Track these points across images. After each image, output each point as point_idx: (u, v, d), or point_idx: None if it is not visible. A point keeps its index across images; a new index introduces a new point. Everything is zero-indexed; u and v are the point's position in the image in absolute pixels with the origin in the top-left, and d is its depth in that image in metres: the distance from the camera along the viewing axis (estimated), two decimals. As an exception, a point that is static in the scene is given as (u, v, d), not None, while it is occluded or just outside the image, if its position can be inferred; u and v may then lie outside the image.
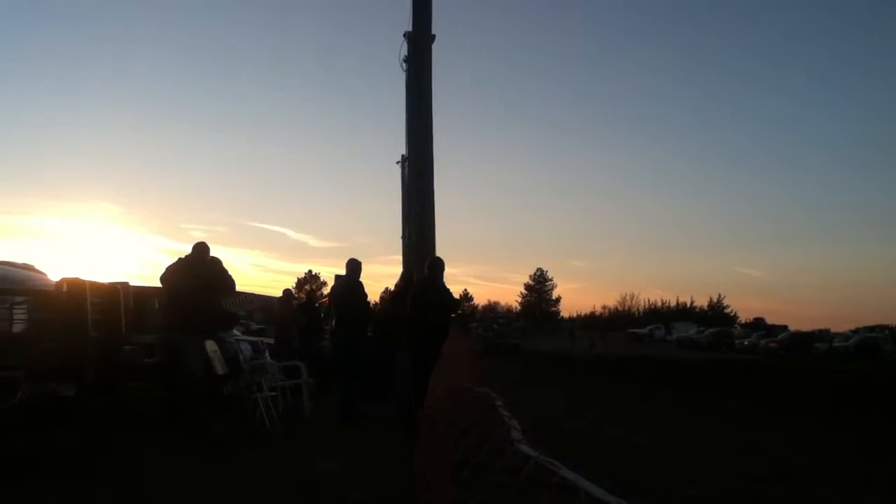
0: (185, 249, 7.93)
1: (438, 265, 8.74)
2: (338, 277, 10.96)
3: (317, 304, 16.80)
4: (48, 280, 7.55)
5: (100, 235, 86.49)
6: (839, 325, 63.41)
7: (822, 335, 46.53)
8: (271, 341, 12.50)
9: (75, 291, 6.86)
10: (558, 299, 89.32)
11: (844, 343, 41.12)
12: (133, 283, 9.32)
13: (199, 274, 7.74)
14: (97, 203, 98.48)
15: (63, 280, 6.93)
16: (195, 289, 7.57)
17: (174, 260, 8.06)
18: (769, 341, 45.04)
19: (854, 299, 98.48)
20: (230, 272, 8.05)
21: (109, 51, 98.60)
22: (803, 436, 8.65)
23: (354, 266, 9.14)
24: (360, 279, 9.25)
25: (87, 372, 6.66)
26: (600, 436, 8.14)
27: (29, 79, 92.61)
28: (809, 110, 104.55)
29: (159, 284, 8.26)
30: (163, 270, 8.03)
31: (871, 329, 45.56)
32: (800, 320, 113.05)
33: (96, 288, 7.52)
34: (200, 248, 7.91)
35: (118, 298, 7.98)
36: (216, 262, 7.99)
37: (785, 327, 53.13)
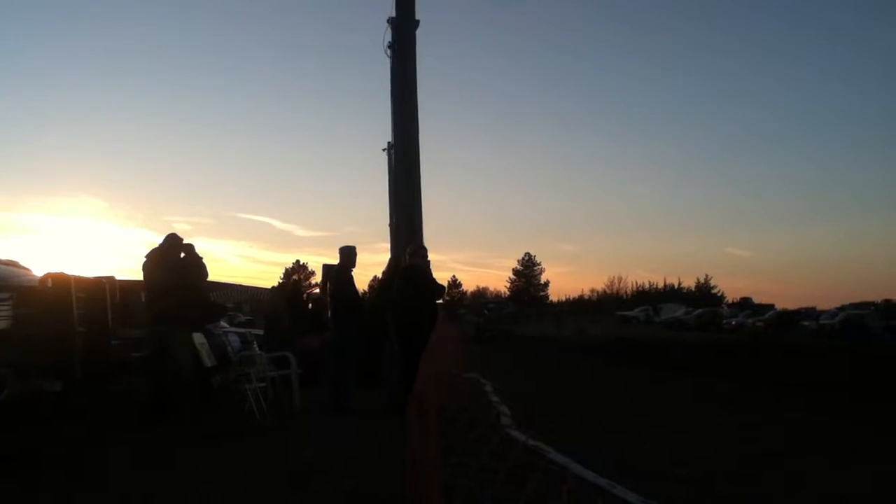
0: (171, 242, 7.92)
1: (421, 251, 8.75)
2: (325, 266, 10.92)
3: (305, 295, 16.73)
4: (33, 276, 7.51)
5: (84, 230, 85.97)
6: (825, 303, 63.90)
7: (809, 313, 46.85)
8: (261, 332, 12.44)
9: (60, 286, 6.83)
10: (547, 284, 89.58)
11: (830, 321, 41.43)
12: (119, 277, 9.27)
13: (172, 266, 7.71)
14: (81, 198, 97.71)
15: (48, 275, 6.88)
16: (169, 281, 7.55)
17: (149, 250, 8.06)
18: (756, 320, 45.35)
19: (840, 277, 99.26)
20: (202, 261, 8.02)
21: (92, 45, 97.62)
22: (793, 414, 8.73)
23: (347, 252, 9.05)
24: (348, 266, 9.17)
25: (74, 367, 6.64)
26: (590, 418, 8.18)
27: (11, 74, 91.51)
28: (794, 90, 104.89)
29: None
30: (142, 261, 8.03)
31: (857, 306, 45.96)
32: (786, 299, 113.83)
33: (81, 283, 7.48)
34: (170, 240, 7.89)
35: (104, 293, 7.94)
36: (189, 250, 7.95)
37: (771, 306, 53.42)
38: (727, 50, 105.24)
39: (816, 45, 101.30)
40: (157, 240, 8.07)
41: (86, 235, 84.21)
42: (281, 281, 72.14)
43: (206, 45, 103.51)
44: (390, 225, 14.08)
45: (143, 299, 8.84)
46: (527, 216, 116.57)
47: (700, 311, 54.82)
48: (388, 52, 13.00)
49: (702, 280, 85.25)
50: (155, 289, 7.71)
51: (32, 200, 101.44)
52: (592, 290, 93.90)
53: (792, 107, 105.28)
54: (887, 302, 46.42)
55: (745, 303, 61.85)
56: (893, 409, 9.04)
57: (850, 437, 7.11)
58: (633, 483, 4.54)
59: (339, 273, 9.02)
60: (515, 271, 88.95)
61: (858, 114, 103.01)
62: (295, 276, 74.14)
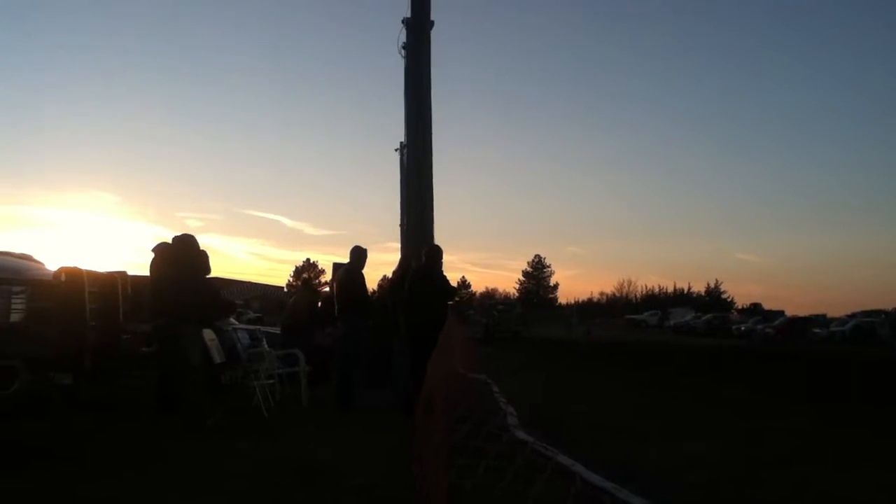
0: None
1: (436, 252, 8.76)
2: (336, 266, 10.95)
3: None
4: (46, 270, 7.55)
5: (97, 225, 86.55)
6: (836, 311, 63.71)
7: (819, 320, 46.61)
8: (271, 330, 12.44)
9: (73, 280, 6.86)
10: (556, 286, 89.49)
11: (841, 328, 41.23)
12: (131, 272, 9.32)
13: (179, 261, 7.74)
14: (94, 193, 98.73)
15: (61, 269, 6.91)
16: (177, 277, 7.58)
17: (156, 244, 8.13)
18: (766, 327, 45.12)
19: (851, 284, 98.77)
20: (204, 254, 8.06)
21: (105, 41, 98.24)
22: (801, 420, 8.69)
23: (359, 253, 9.09)
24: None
25: (85, 361, 6.67)
26: (597, 422, 8.18)
27: (26, 69, 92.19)
28: (806, 96, 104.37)
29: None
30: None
31: (868, 314, 45.69)
32: (796, 306, 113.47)
33: (94, 277, 7.52)
34: (180, 238, 7.95)
35: (116, 287, 7.99)
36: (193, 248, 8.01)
37: (781, 312, 53.18)
38: (741, 55, 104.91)
39: (832, 50, 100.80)
40: (168, 235, 8.07)
41: (99, 230, 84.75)
42: (291, 280, 72.74)
43: (221, 42, 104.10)
44: (401, 225, 14.11)
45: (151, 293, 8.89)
46: (537, 218, 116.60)
47: (709, 316, 54.58)
48: (403, 52, 13.00)
49: (712, 285, 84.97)
50: (161, 284, 7.75)
51: (47, 195, 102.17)
52: (602, 293, 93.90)
53: (805, 113, 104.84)
54: (899, 310, 46.11)
55: (755, 309, 61.56)
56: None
57: (856, 444, 7.08)
58: (640, 486, 4.55)
59: (349, 272, 9.05)
60: (525, 273, 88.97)
61: (871, 120, 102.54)
62: (305, 275, 74.28)
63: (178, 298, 7.42)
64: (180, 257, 7.83)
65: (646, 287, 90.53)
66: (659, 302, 77.63)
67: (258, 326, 12.89)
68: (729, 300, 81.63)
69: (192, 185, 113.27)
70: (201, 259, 7.99)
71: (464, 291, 79.76)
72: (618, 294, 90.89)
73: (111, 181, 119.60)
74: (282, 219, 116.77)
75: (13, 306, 6.32)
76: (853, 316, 46.42)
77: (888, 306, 49.34)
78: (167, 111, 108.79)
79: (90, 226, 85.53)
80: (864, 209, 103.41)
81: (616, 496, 4.03)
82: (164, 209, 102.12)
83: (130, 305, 8.45)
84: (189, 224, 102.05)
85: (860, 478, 5.62)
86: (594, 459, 5.24)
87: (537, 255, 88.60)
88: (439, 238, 12.43)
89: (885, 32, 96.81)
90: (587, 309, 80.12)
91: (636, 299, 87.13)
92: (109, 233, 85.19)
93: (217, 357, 7.89)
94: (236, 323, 11.59)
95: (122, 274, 8.58)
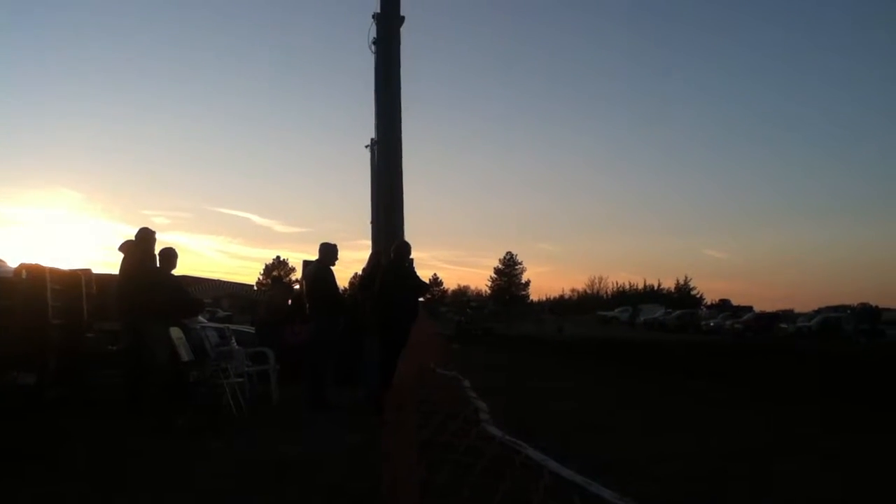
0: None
1: (404, 249, 8.72)
2: (306, 263, 10.85)
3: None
4: (7, 267, 7.41)
5: (61, 222, 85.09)
6: (803, 306, 64.82)
7: (787, 315, 47.34)
8: (243, 328, 12.30)
9: (35, 278, 6.74)
10: (528, 283, 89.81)
11: (807, 323, 41.98)
12: (95, 270, 9.17)
13: (145, 259, 7.63)
14: (58, 190, 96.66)
15: (22, 266, 6.79)
16: (144, 276, 7.47)
17: (122, 242, 8.00)
18: (734, 322, 45.73)
19: (817, 281, 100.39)
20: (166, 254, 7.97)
21: (69, 36, 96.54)
22: (769, 414, 8.80)
23: (328, 250, 9.01)
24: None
25: (49, 360, 6.57)
26: (568, 415, 8.21)
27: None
28: (773, 92, 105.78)
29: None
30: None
31: (834, 309, 46.54)
32: (764, 301, 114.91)
33: (57, 275, 7.39)
34: (142, 233, 7.83)
35: (80, 285, 7.86)
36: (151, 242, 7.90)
37: (750, 308, 53.90)
38: (705, 51, 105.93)
39: (794, 44, 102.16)
40: (134, 233, 7.94)
41: (62, 227, 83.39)
42: (261, 278, 72.26)
43: (188, 38, 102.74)
44: (372, 222, 14.04)
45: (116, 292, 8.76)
46: (509, 215, 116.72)
47: (679, 312, 55.15)
48: (373, 48, 12.95)
49: (681, 281, 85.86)
50: (126, 282, 7.63)
51: (9, 191, 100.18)
52: (573, 290, 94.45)
53: (772, 108, 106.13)
54: (863, 305, 46.97)
55: (724, 305, 62.25)
56: (864, 409, 9.17)
57: (823, 437, 7.17)
58: (610, 480, 4.56)
59: (319, 269, 8.98)
60: (497, 270, 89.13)
61: (838, 115, 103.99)
62: (275, 272, 73.87)
63: (143, 296, 7.31)
64: (138, 253, 7.71)
65: (616, 284, 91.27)
66: (629, 298, 78.15)
67: (227, 325, 12.75)
68: (698, 296, 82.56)
69: (159, 183, 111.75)
70: (164, 254, 7.87)
71: (436, 289, 79.88)
72: (589, 291, 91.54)
73: (75, 178, 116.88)
74: (251, 216, 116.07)
75: (-28, 304, 6.20)
76: (819, 311, 47.23)
77: (853, 302, 50.26)
78: (132, 107, 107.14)
79: (54, 223, 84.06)
80: (830, 206, 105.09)
81: (588, 490, 4.03)
82: (130, 207, 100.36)
83: (96, 304, 8.32)
84: (156, 222, 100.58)
85: (827, 471, 5.69)
86: (564, 453, 5.25)
87: (509, 252, 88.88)
88: (410, 235, 12.39)
89: (854, 25, 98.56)
90: (558, 306, 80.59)
91: (607, 296, 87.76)
92: (73, 231, 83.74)
93: (185, 355, 7.78)
94: (204, 321, 11.45)
95: (87, 272, 8.45)
